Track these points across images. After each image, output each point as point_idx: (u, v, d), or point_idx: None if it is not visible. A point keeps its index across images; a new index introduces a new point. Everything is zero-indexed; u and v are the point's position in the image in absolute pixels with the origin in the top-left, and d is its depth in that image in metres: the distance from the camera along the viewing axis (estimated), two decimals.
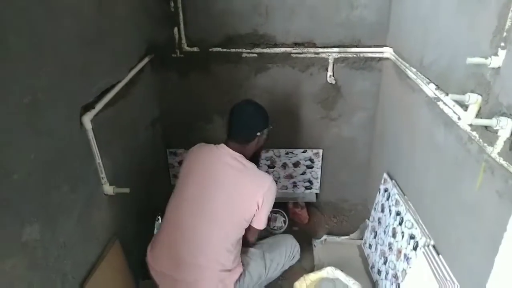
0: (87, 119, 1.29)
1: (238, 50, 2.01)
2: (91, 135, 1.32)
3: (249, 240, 1.71)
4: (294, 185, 2.42)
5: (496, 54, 0.99)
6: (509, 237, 0.84)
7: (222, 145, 1.61)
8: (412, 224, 1.55)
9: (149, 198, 2.00)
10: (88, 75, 1.32)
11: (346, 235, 2.16)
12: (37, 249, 1.03)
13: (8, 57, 0.91)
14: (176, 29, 1.98)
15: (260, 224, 1.61)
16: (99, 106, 1.37)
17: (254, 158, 1.71)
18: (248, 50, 2.02)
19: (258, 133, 1.61)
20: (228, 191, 1.53)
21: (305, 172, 2.37)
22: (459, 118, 1.20)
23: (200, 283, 1.50)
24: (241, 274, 1.57)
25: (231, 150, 1.57)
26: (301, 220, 2.28)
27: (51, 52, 1.10)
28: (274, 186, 1.58)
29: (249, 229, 1.61)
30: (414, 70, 1.59)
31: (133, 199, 1.71)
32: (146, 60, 1.94)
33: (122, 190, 1.47)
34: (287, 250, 1.75)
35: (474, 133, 1.11)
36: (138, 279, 1.76)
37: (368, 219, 2.08)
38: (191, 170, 1.61)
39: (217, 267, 1.50)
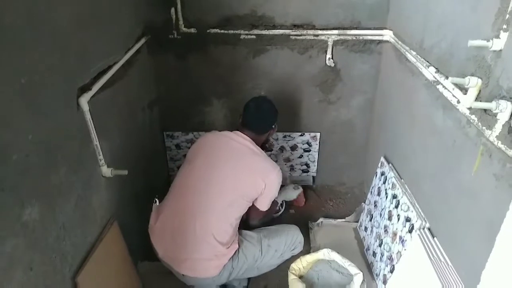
0: (84, 101, 1.27)
1: (236, 31, 1.98)
2: (88, 116, 1.31)
3: (251, 221, 1.78)
4: (291, 168, 2.43)
5: (497, 37, 0.99)
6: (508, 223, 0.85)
7: (238, 132, 1.74)
8: (408, 207, 1.57)
9: (146, 181, 2.00)
10: (84, 56, 1.30)
11: (342, 218, 2.19)
12: (37, 230, 1.03)
13: (5, 37, 0.89)
14: (173, 10, 1.94)
15: (262, 206, 1.69)
16: (95, 87, 1.35)
17: (263, 147, 1.82)
18: (247, 32, 1.99)
19: (273, 126, 1.81)
20: (236, 167, 1.62)
21: (302, 156, 2.38)
22: (458, 102, 1.19)
23: (196, 254, 1.53)
24: (235, 252, 1.60)
25: (245, 136, 1.71)
26: (298, 203, 2.30)
27: (48, 32, 1.07)
28: (279, 175, 1.68)
29: (252, 209, 1.69)
30: (414, 53, 1.57)
31: (130, 181, 1.71)
32: (142, 41, 1.91)
33: (120, 172, 1.47)
34: (287, 239, 1.77)
35: (473, 116, 1.11)
36: (136, 260, 1.77)
37: (364, 202, 2.11)
38: (204, 145, 1.73)
39: (214, 241, 1.53)
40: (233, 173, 1.61)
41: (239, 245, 1.63)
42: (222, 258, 1.56)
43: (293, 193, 2.17)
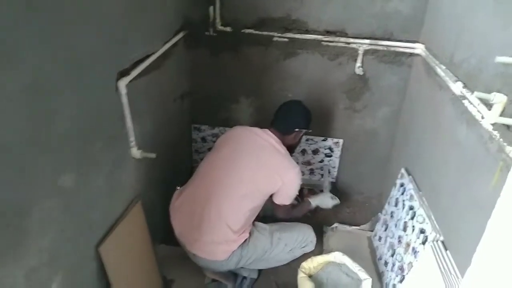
0: (122, 84, 1.37)
1: (270, 33, 2.05)
2: (125, 99, 1.40)
3: (277, 214, 1.86)
4: (311, 172, 2.46)
5: None
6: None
7: (266, 129, 1.81)
8: (424, 219, 1.57)
9: (171, 168, 2.09)
10: (126, 43, 1.40)
11: (357, 226, 2.20)
12: (71, 196, 1.12)
13: (60, 18, 0.99)
14: (211, 8, 2.02)
15: (280, 201, 1.76)
16: (134, 73, 1.44)
17: (289, 150, 1.85)
18: (280, 34, 2.05)
19: (297, 129, 1.83)
20: (256, 162, 1.70)
21: (323, 160, 2.41)
22: (482, 117, 1.21)
23: (206, 236, 1.62)
24: (245, 241, 1.67)
25: (272, 134, 1.78)
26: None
27: (98, 17, 1.17)
28: (297, 175, 1.73)
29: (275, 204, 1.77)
30: (443, 67, 1.59)
31: (156, 166, 1.81)
32: (180, 35, 2.01)
33: (149, 155, 1.56)
34: (299, 236, 1.82)
35: (495, 132, 1.12)
36: (154, 242, 1.85)
37: (381, 213, 2.11)
38: (232, 137, 1.82)
39: (225, 227, 1.61)
40: (253, 167, 1.67)
41: (250, 235, 1.69)
42: (231, 244, 1.64)
43: (329, 202, 2.11)
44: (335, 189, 2.41)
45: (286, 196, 1.75)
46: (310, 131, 1.93)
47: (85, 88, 1.15)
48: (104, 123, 1.29)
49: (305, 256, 1.82)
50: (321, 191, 2.30)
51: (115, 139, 1.39)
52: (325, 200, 2.11)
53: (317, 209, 2.14)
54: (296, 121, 1.83)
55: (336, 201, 2.13)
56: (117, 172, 1.43)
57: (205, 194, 1.66)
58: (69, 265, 1.15)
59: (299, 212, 1.98)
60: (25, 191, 0.93)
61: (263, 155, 1.71)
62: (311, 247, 1.85)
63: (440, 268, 1.35)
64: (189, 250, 1.67)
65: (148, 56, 1.59)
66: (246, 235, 1.67)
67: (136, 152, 1.53)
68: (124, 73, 1.39)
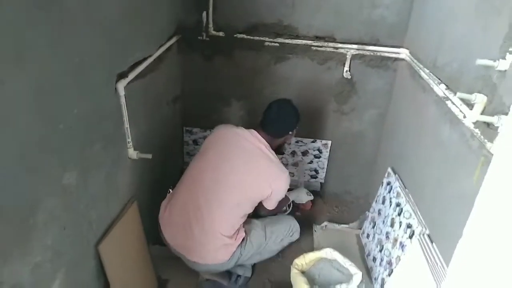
0: (121, 86, 1.40)
1: (262, 38, 2.11)
2: (123, 101, 1.43)
3: (260, 213, 1.88)
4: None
5: (504, 58, 1.09)
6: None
7: (253, 131, 1.77)
8: (410, 214, 1.65)
9: (163, 170, 2.12)
10: (125, 46, 1.43)
11: (346, 224, 2.27)
12: (72, 194, 1.15)
13: (65, 19, 1.02)
14: (204, 13, 2.08)
15: (269, 205, 1.80)
16: (131, 75, 1.48)
17: (277, 150, 1.88)
18: (271, 39, 2.12)
19: (290, 132, 1.84)
20: (245, 170, 1.68)
21: (312, 161, 2.48)
22: (464, 116, 1.29)
23: (204, 246, 1.63)
24: (243, 240, 1.71)
25: (260, 137, 1.74)
26: (305, 207, 2.38)
27: (99, 19, 1.21)
28: (286, 181, 1.75)
29: (261, 205, 1.79)
30: (427, 71, 1.68)
31: (150, 168, 1.83)
32: (174, 40, 2.05)
33: (145, 155, 1.59)
34: (286, 227, 1.89)
35: (476, 130, 1.20)
36: (148, 242, 1.87)
37: (368, 211, 2.19)
38: (217, 141, 1.78)
39: (220, 236, 1.63)
40: (242, 176, 1.66)
41: (246, 233, 1.73)
42: (230, 247, 1.66)
43: (304, 197, 2.23)
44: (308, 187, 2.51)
45: (274, 201, 1.78)
46: (298, 127, 1.90)
47: (87, 88, 1.18)
48: (103, 123, 1.32)
49: (298, 253, 1.87)
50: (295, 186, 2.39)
51: (113, 140, 1.42)
52: (301, 196, 2.23)
53: (291, 205, 2.25)
54: (288, 124, 1.82)
55: (311, 197, 2.27)
56: (115, 172, 1.45)
57: (195, 203, 1.65)
58: (70, 263, 1.17)
59: (278, 207, 2.02)
60: (34, 189, 0.96)
61: (251, 163, 1.69)
62: (296, 235, 1.93)
63: (427, 259, 1.42)
64: (189, 259, 1.68)
65: (144, 59, 1.63)
66: (242, 234, 1.71)
67: (132, 153, 1.56)
68: (122, 75, 1.43)
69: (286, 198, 2.08)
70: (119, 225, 1.46)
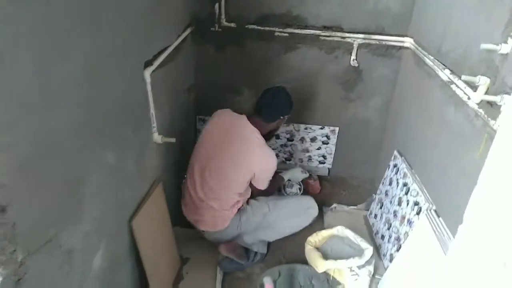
0: (147, 73, 1.50)
1: (272, 28, 2.21)
2: (149, 87, 1.53)
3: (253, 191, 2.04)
4: (309, 158, 2.63)
5: (506, 42, 1.19)
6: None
7: (244, 116, 1.90)
8: (417, 193, 1.76)
9: (182, 156, 2.21)
10: (150, 36, 1.53)
11: (354, 206, 2.38)
12: (111, 172, 1.24)
13: (102, 9, 1.12)
14: (217, 5, 2.17)
15: (259, 185, 1.94)
16: (156, 63, 1.57)
17: (269, 135, 2.01)
18: (281, 30, 2.21)
19: (281, 117, 1.95)
20: (234, 157, 1.84)
21: (320, 148, 2.58)
22: (468, 98, 1.40)
23: (205, 216, 1.90)
24: (239, 209, 1.91)
25: (249, 123, 1.88)
26: (314, 190, 2.50)
27: (129, 12, 1.30)
28: (269, 162, 1.88)
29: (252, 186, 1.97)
30: (431, 57, 1.78)
31: (171, 152, 1.94)
32: (188, 31, 2.14)
33: (169, 139, 1.69)
34: (298, 202, 2.06)
35: (480, 110, 1.31)
36: None
37: (375, 193, 2.30)
38: (212, 131, 1.94)
39: (219, 210, 1.87)
40: (229, 162, 1.83)
41: (248, 203, 1.93)
42: (226, 217, 1.89)
43: (299, 175, 2.38)
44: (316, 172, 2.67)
45: (263, 181, 1.93)
46: (291, 115, 2.02)
47: (121, 74, 1.27)
48: (134, 108, 1.42)
49: (310, 233, 1.99)
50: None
51: (141, 124, 1.51)
52: (296, 174, 2.37)
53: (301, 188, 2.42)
54: (280, 109, 1.93)
55: (306, 174, 2.42)
56: (143, 154, 1.55)
57: (196, 188, 1.89)
58: (110, 236, 1.27)
59: (272, 186, 2.14)
60: (82, 164, 1.06)
61: (237, 147, 1.84)
62: (313, 211, 2.05)
63: (435, 232, 1.53)
64: (198, 229, 1.95)
65: (165, 49, 1.72)
66: (239, 206, 1.91)
67: (157, 137, 1.66)
68: (148, 63, 1.52)
69: (279, 178, 2.24)
70: (147, 204, 1.56)
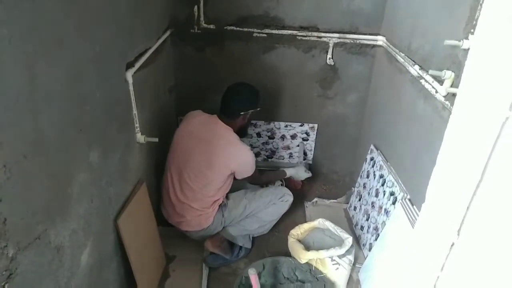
0: (129, 74, 1.53)
1: (250, 29, 2.27)
2: (131, 88, 1.56)
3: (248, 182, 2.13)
4: (290, 155, 2.70)
5: (467, 38, 1.28)
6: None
7: (215, 116, 1.96)
8: (393, 183, 1.85)
9: (163, 156, 2.24)
10: (132, 37, 1.56)
11: (334, 199, 2.46)
12: (96, 171, 1.27)
13: (88, 11, 1.15)
14: (196, 7, 2.21)
15: (245, 175, 1.98)
16: (137, 65, 1.60)
17: (241, 131, 2.03)
18: (259, 30, 2.27)
19: (242, 113, 1.93)
20: (207, 155, 1.86)
21: (299, 145, 2.65)
22: (436, 91, 1.49)
23: (186, 217, 1.94)
24: (220, 205, 1.96)
25: (220, 122, 1.92)
26: (296, 186, 2.56)
27: (112, 13, 1.33)
28: (244, 156, 1.92)
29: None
30: (402, 54, 1.87)
31: (153, 152, 1.97)
32: (168, 33, 2.17)
33: (152, 139, 1.72)
34: (274, 191, 2.12)
35: (447, 102, 1.40)
36: None
37: (354, 186, 2.39)
38: (186, 131, 1.97)
39: (198, 210, 1.91)
40: (205, 162, 1.86)
41: (227, 198, 1.99)
42: (208, 215, 1.94)
43: (302, 174, 2.43)
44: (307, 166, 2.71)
45: (242, 173, 1.96)
46: (259, 109, 2.01)
47: (105, 75, 1.30)
48: (117, 108, 1.45)
49: (293, 227, 2.05)
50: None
51: (125, 124, 1.54)
52: (300, 172, 2.42)
53: (283, 183, 2.46)
54: (240, 105, 1.93)
55: (309, 174, 2.46)
56: (127, 155, 1.58)
57: (173, 190, 1.93)
58: (96, 234, 1.30)
59: (269, 177, 2.21)
60: (69, 163, 1.08)
61: (210, 148, 1.86)
62: (288, 198, 2.12)
63: (409, 219, 1.62)
64: (181, 230, 1.99)
65: (146, 51, 1.75)
66: (219, 202, 1.96)
67: (140, 137, 1.68)
68: (130, 65, 1.55)
69: (281, 172, 2.30)
70: (132, 203, 1.59)
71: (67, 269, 1.10)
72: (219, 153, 1.86)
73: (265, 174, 2.20)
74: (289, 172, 2.36)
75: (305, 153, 2.69)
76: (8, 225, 0.81)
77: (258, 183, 2.15)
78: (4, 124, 0.79)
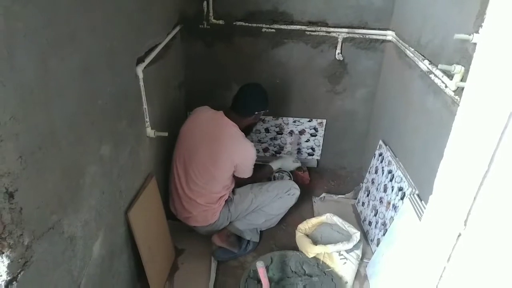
0: (139, 69, 1.55)
1: (259, 25, 2.27)
2: (142, 83, 1.58)
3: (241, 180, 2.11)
4: (298, 151, 2.70)
5: (477, 32, 1.27)
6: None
7: (222, 112, 1.97)
8: (401, 179, 1.85)
9: (172, 151, 2.26)
10: (142, 33, 1.58)
11: (342, 195, 2.46)
12: (107, 164, 1.30)
13: (98, 7, 1.17)
14: (205, 3, 2.22)
15: (243, 175, 2.01)
16: (147, 60, 1.63)
17: (247, 129, 2.08)
18: (268, 26, 2.27)
19: (256, 112, 2.00)
20: (212, 152, 1.89)
21: (309, 140, 2.66)
22: (446, 86, 1.48)
23: (193, 212, 1.96)
24: (229, 198, 1.98)
25: (226, 118, 1.94)
26: (303, 181, 2.57)
27: (122, 10, 1.35)
28: (248, 152, 1.95)
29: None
30: (412, 49, 1.86)
31: (163, 147, 1.99)
32: (177, 28, 2.19)
33: (162, 133, 1.74)
34: (280, 185, 2.12)
35: (456, 97, 1.40)
36: None
37: (363, 182, 2.38)
38: (192, 127, 1.99)
39: (204, 205, 1.92)
40: (210, 157, 1.88)
41: (233, 193, 2.00)
42: (214, 210, 1.95)
43: (291, 165, 2.43)
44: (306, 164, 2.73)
45: (245, 170, 1.99)
46: (268, 110, 2.07)
47: (116, 70, 1.33)
48: (128, 103, 1.47)
49: (300, 221, 2.06)
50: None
51: (135, 119, 1.57)
52: (287, 163, 2.42)
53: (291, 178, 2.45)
54: (256, 104, 2.00)
55: (298, 164, 2.46)
56: (137, 149, 1.60)
57: (181, 185, 1.95)
58: (107, 225, 1.33)
59: (254, 176, 2.17)
60: (81, 155, 1.11)
61: (218, 145, 1.88)
62: (295, 191, 2.12)
63: (417, 214, 1.62)
64: (189, 225, 2.01)
65: (156, 46, 1.77)
66: (225, 198, 1.97)
67: (150, 132, 1.71)
68: (140, 60, 1.57)
69: (268, 167, 2.30)
70: (143, 196, 1.61)
71: (80, 259, 1.13)
72: (224, 148, 1.88)
73: (256, 173, 2.15)
74: (275, 165, 2.34)
75: (313, 149, 2.70)
76: (23, 214, 0.84)
77: (247, 183, 2.12)
78: (20, 116, 0.81)
